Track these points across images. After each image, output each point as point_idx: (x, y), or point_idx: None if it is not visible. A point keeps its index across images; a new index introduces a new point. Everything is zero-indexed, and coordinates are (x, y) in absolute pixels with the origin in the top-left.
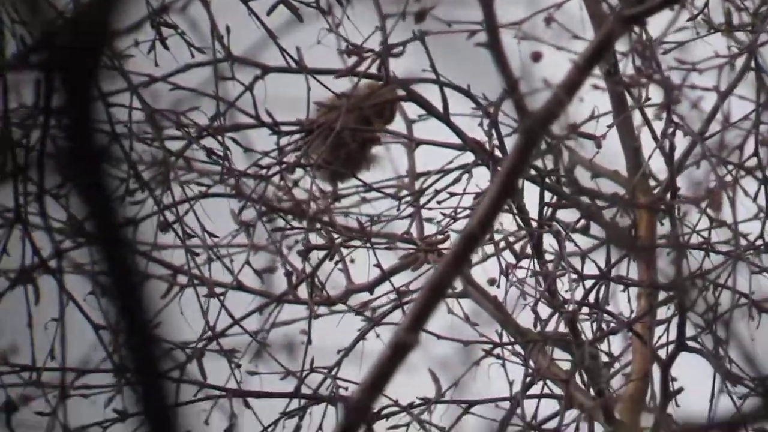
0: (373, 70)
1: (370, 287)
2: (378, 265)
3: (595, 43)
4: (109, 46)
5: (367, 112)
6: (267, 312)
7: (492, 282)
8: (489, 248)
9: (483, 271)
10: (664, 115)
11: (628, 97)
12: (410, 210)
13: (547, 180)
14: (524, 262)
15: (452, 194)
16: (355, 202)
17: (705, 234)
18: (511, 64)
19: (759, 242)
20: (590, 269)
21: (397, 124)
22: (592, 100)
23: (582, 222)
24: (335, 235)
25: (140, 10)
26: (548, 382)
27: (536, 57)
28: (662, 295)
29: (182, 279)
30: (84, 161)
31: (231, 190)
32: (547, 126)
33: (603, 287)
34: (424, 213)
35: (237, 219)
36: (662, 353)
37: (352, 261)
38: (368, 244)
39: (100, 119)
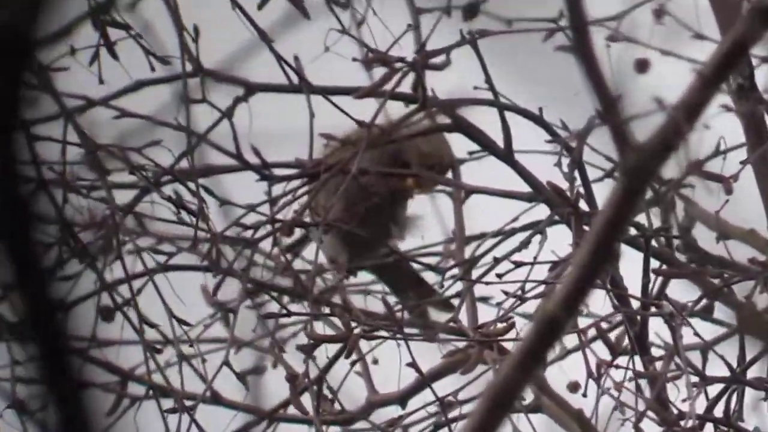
0: (404, 88)
1: (402, 398)
2: (413, 365)
3: (724, 48)
4: (32, 55)
5: (404, 151)
6: None
7: (575, 388)
8: (571, 340)
9: (562, 373)
10: None
11: None
12: (458, 287)
13: (654, 243)
14: (622, 360)
15: (518, 264)
16: None
17: None
18: (606, 76)
19: None
20: (717, 369)
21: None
22: (719, 127)
23: (704, 302)
24: (352, 324)
25: (79, 2)
26: None
27: (642, 66)
28: None
29: (137, 389)
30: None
31: (203, 261)
32: (658, 165)
33: (735, 395)
34: (478, 291)
35: (212, 300)
36: None
37: (376, 361)
38: (399, 336)
39: (20, 159)
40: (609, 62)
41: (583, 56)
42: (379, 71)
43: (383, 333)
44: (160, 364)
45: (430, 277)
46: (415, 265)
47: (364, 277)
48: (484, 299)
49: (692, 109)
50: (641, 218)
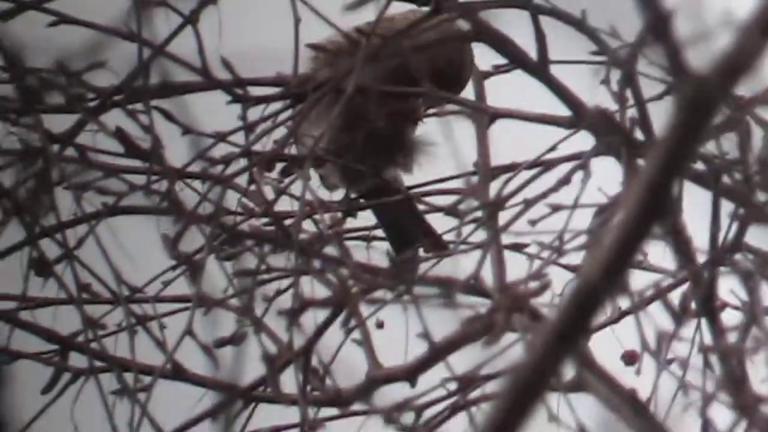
0: None
1: (411, 374)
2: (425, 335)
3: None
4: None
5: (410, 61)
6: (226, 417)
7: (631, 359)
8: (624, 302)
9: (613, 343)
10: None
11: None
12: (481, 236)
13: (725, 179)
14: (687, 328)
15: (555, 207)
16: None
17: None
18: None
19: None
20: None
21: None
22: None
23: None
24: (349, 281)
25: None
26: None
27: None
28: None
29: (79, 360)
30: None
31: (161, 203)
32: (726, 88)
33: None
34: (506, 240)
35: (173, 252)
36: None
37: (380, 325)
38: (407, 297)
39: None
40: None
41: None
42: None
43: (388, 294)
44: (107, 329)
45: (444, 222)
46: (425, 206)
47: (365, 219)
48: (516, 247)
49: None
50: (709, 147)
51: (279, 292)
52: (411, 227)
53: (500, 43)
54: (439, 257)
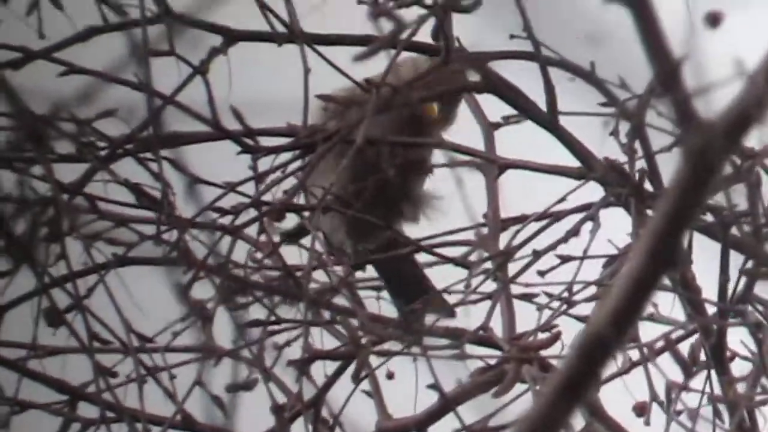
0: (423, 36)
1: (421, 425)
2: (435, 387)
3: None
4: None
5: (416, 111)
6: None
7: (642, 411)
8: (634, 353)
9: (623, 394)
10: None
11: None
12: (491, 287)
13: (734, 231)
14: (697, 379)
15: (564, 259)
16: None
17: None
18: (668, 33)
19: None
20: None
21: (468, 133)
22: None
23: None
24: (359, 333)
25: None
26: None
27: (714, 19)
28: None
29: (89, 410)
30: None
31: (171, 253)
32: (734, 139)
33: None
34: (515, 290)
35: (184, 302)
36: None
37: (391, 376)
38: (417, 349)
39: None
40: (672, 15)
41: (636, 7)
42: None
43: (397, 345)
44: (118, 380)
45: (453, 273)
46: (435, 257)
47: (374, 272)
48: (526, 298)
49: None
50: (719, 198)
51: (288, 343)
52: (412, 284)
53: (510, 94)
54: (447, 316)
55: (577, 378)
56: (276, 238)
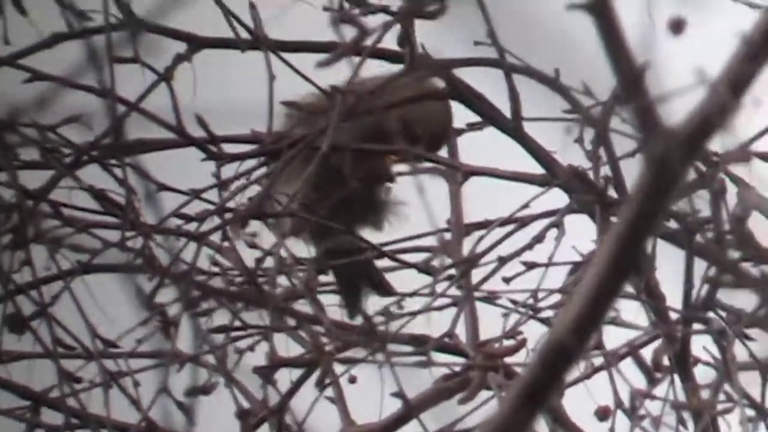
0: (387, 43)
1: (385, 431)
2: (399, 394)
3: None
4: None
5: (384, 121)
6: None
7: (603, 416)
8: (597, 359)
9: (586, 399)
10: None
11: None
12: (455, 293)
13: (698, 238)
14: (661, 386)
15: (529, 265)
16: None
17: None
18: (631, 40)
19: None
20: None
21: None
22: None
23: (763, 311)
24: (323, 339)
25: None
26: None
27: (677, 26)
28: None
29: (53, 416)
30: None
31: (135, 260)
32: (696, 146)
33: None
34: (480, 296)
35: (150, 308)
36: None
37: (353, 380)
38: (380, 355)
39: None
40: (633, 23)
41: (600, 15)
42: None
43: (361, 352)
44: (82, 385)
45: (417, 279)
46: (398, 263)
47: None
48: (490, 300)
49: (739, 82)
50: (682, 205)
51: (251, 347)
52: (363, 281)
53: (474, 101)
54: (413, 314)
55: (539, 385)
56: (239, 244)
